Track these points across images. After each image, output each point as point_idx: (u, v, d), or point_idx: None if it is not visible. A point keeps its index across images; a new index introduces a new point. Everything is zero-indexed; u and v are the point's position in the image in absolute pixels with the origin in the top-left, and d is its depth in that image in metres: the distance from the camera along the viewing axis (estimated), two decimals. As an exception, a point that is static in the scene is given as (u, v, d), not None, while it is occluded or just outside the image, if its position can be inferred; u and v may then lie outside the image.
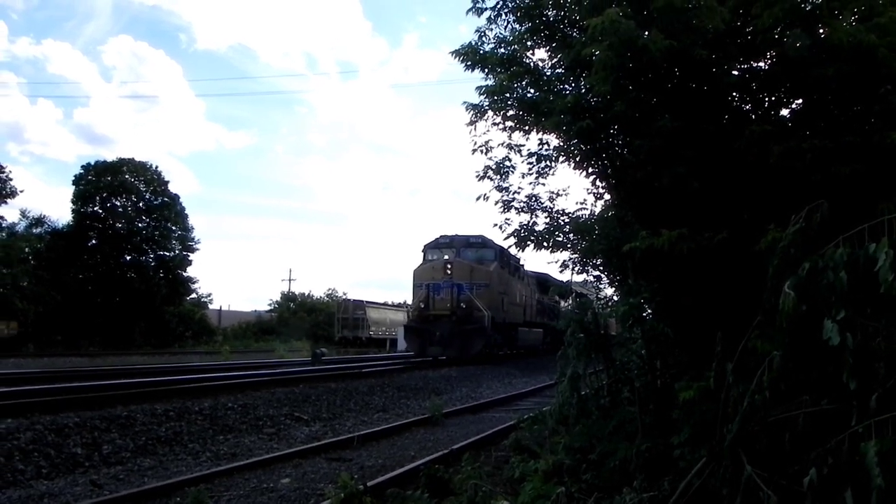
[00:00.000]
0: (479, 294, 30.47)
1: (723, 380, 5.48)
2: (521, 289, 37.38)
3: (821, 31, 7.29)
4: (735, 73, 8.12)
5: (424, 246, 33.76)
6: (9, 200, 47.81)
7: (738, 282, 6.78)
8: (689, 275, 7.68)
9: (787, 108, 8.38)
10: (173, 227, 53.30)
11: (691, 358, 7.49)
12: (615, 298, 10.73)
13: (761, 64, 8.17)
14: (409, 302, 34.95)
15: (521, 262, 36.45)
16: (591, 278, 11.22)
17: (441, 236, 33.51)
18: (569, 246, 10.11)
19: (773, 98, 8.26)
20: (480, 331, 29.87)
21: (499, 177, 10.42)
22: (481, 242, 32.56)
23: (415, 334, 31.39)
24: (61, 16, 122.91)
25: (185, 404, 13.09)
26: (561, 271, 11.31)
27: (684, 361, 7.76)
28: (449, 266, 30.70)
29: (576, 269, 10.83)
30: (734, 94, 8.29)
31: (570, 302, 38.38)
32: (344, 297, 63.94)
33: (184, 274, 54.90)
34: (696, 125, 7.66)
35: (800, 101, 8.20)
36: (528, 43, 9.66)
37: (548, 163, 10.23)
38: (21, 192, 49.80)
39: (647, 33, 7.37)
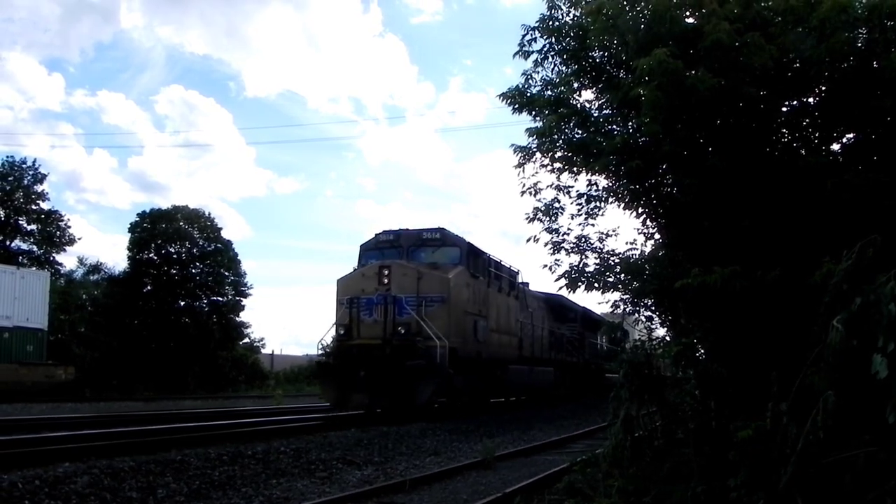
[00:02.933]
0: (432, 313, 19.78)
1: (779, 420, 5.39)
2: (515, 311, 25.91)
3: (874, 64, 7.26)
4: (784, 108, 8.10)
5: (360, 247, 22.88)
6: (67, 248, 49.16)
7: (793, 318, 6.69)
8: (742, 312, 7.60)
9: (837, 142, 8.33)
10: (226, 273, 53.80)
11: (747, 397, 7.38)
12: (667, 339, 10.63)
13: (811, 99, 8.14)
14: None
15: (521, 278, 26.59)
16: (643, 318, 11.15)
17: (383, 232, 22.60)
18: (619, 286, 10.06)
19: (824, 133, 8.21)
20: (430, 370, 18.96)
21: (548, 218, 10.43)
22: (440, 238, 21.97)
23: (330, 375, 20.05)
24: (116, 68, 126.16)
25: (238, 448, 13.14)
26: (612, 311, 11.22)
27: (739, 401, 7.65)
28: (385, 271, 20.10)
29: (627, 309, 10.79)
30: (783, 130, 8.26)
31: (603, 337, 34.76)
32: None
33: (237, 319, 55.29)
34: (744, 162, 7.64)
35: (851, 134, 8.15)
36: (575, 84, 9.72)
37: (597, 203, 10.24)
38: (79, 239, 50.76)
39: (694, 72, 7.40)
